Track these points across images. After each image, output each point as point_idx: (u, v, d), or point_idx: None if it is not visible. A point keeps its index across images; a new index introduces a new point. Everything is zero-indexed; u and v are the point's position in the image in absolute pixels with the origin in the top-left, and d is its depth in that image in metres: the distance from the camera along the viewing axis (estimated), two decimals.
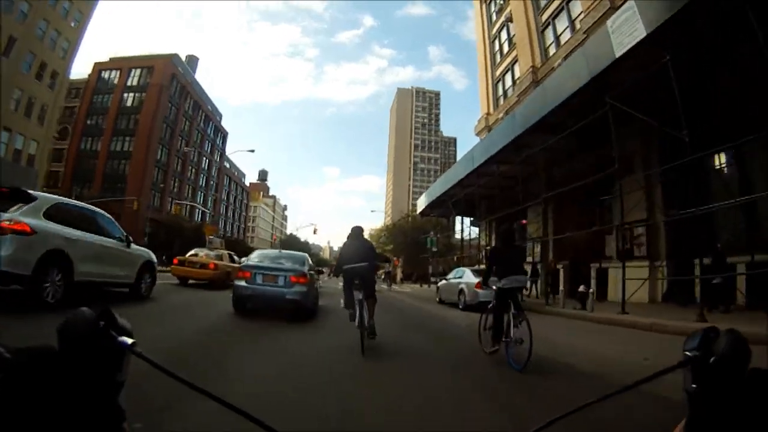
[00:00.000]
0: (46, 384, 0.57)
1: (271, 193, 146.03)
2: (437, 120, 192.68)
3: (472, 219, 33.80)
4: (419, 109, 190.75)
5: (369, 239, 8.61)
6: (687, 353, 0.69)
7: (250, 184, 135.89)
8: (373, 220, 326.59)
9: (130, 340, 0.65)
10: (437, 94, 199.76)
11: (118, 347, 0.64)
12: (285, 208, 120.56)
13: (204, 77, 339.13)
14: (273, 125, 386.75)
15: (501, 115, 31.48)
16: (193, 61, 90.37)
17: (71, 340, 0.62)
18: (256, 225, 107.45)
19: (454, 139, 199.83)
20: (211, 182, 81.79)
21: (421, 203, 39.46)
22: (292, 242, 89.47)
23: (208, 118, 78.61)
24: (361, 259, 7.12)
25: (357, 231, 7.63)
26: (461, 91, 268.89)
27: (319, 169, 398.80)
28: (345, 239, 7.78)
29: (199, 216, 71.75)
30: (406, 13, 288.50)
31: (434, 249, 41.89)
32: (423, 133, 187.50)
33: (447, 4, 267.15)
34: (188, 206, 71.79)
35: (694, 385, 0.68)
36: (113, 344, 0.64)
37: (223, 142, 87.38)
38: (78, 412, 0.59)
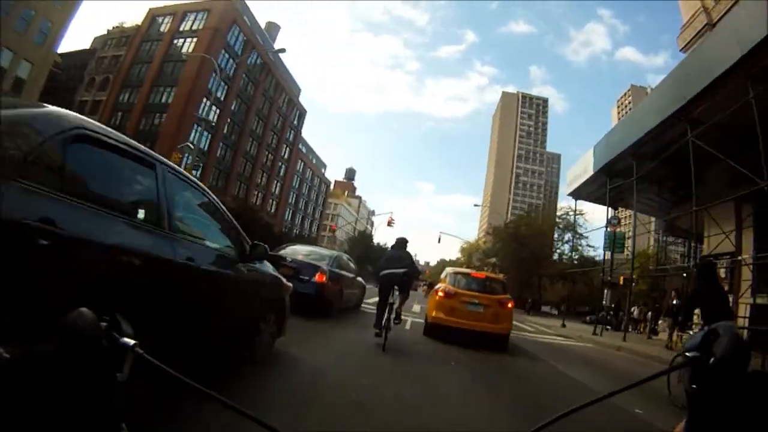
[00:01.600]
0: (46, 384, 0.57)
1: (357, 194, 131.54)
2: (544, 130, 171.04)
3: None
4: (524, 116, 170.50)
5: (410, 252, 8.31)
6: (687, 354, 0.69)
7: (335, 181, 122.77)
8: (465, 232, 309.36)
9: (132, 341, 0.65)
10: (545, 101, 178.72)
11: (120, 348, 0.64)
12: (372, 212, 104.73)
13: (306, 82, 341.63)
14: (371, 134, 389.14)
15: None
16: (273, 28, 77.79)
17: (70, 341, 0.61)
18: (336, 224, 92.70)
19: (559, 156, 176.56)
20: (280, 165, 67.53)
21: (573, 177, 22.03)
22: (362, 242, 72.87)
23: (280, 85, 64.41)
24: (400, 266, 7.69)
25: (401, 241, 8.29)
26: (561, 114, 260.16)
27: (413, 183, 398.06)
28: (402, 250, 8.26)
29: (258, 199, 57.20)
30: (509, 31, 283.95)
31: (617, 252, 21.37)
32: (528, 143, 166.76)
33: (549, 23, 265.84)
34: (245, 184, 57.59)
35: (693, 386, 0.67)
36: (115, 345, 0.64)
37: (299, 121, 73.24)
38: (77, 412, 0.58)
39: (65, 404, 0.57)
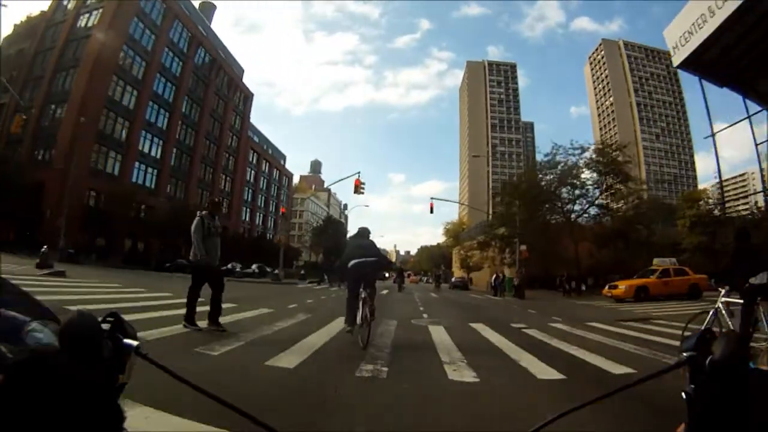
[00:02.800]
0: (48, 385, 0.57)
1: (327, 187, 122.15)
2: (516, 95, 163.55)
3: None
4: (494, 84, 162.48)
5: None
6: (684, 354, 0.69)
7: (300, 176, 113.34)
8: (444, 215, 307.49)
9: (135, 342, 0.65)
10: (513, 67, 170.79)
11: (124, 349, 0.65)
12: (345, 206, 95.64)
13: (267, 91, 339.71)
14: (337, 133, 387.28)
15: None
16: (207, 8, 68.58)
17: (73, 342, 0.61)
18: (304, 221, 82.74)
19: (532, 124, 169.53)
20: (227, 156, 58.33)
21: (684, 32, 12.86)
22: (331, 231, 63.40)
23: (216, 63, 55.01)
24: (368, 255, 7.18)
25: (363, 231, 7.88)
26: (523, 89, 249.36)
27: (385, 176, 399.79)
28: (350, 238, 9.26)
29: (201, 198, 48.11)
30: (463, 15, 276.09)
31: None
32: (501, 111, 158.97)
33: (501, 2, 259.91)
34: (182, 181, 48.61)
35: (692, 386, 0.67)
36: (118, 346, 0.64)
37: (244, 104, 63.97)
38: (79, 413, 0.58)
39: (67, 405, 0.57)
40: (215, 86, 54.60)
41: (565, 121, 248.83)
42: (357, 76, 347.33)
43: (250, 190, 65.36)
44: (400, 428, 3.12)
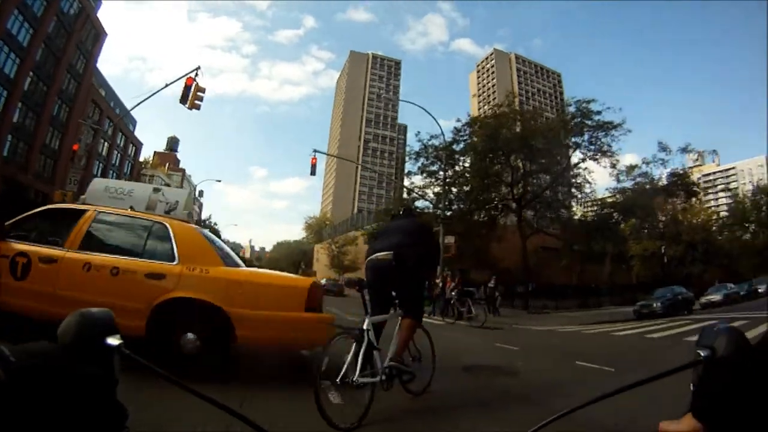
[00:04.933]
0: (51, 383, 0.57)
1: (182, 167, 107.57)
2: (396, 92, 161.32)
3: None
4: (375, 78, 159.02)
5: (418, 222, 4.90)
6: (701, 352, 0.69)
7: (154, 152, 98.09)
8: (303, 212, 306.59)
9: (116, 342, 0.65)
10: (398, 63, 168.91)
11: (106, 348, 0.64)
12: (201, 193, 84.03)
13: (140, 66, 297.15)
14: (202, 116, 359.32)
15: None
16: None
17: (73, 341, 0.62)
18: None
19: (405, 126, 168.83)
20: (59, 103, 45.37)
21: None
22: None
23: None
24: (401, 243, 4.26)
25: (406, 209, 5.25)
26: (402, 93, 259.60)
27: (246, 168, 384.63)
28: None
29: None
30: (348, 18, 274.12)
31: None
32: (378, 107, 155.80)
33: (388, 13, 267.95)
34: None
35: (697, 382, 0.69)
36: (101, 345, 0.64)
37: (93, 42, 50.88)
38: (82, 411, 0.59)
39: (69, 403, 0.58)
40: (55, 9, 41.68)
41: (436, 129, 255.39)
42: (233, 64, 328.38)
43: (85, 153, 52.25)
44: None
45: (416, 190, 30.28)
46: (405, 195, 33.50)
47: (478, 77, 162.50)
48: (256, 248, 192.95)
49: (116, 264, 4.46)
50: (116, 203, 5.31)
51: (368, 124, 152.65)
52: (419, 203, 30.05)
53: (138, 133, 71.42)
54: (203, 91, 18.24)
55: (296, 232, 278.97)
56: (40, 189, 39.72)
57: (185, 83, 17.62)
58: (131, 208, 5.21)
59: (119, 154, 61.47)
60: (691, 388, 0.68)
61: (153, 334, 4.20)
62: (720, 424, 0.64)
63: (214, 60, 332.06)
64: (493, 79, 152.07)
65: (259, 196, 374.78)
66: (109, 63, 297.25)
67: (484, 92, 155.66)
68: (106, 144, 57.27)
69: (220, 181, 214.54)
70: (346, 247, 48.26)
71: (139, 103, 21.15)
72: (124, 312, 3.56)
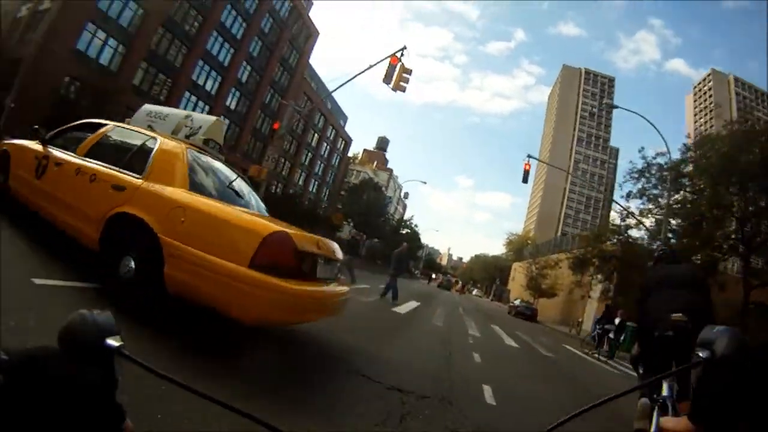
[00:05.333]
0: (49, 384, 0.57)
1: (389, 167, 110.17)
2: (609, 112, 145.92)
3: None
4: (588, 95, 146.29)
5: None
6: (700, 354, 0.70)
7: (364, 150, 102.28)
8: (503, 230, 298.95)
9: (117, 343, 0.65)
10: (611, 80, 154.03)
11: (106, 349, 0.64)
12: (406, 195, 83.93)
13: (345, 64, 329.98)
14: (413, 124, 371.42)
15: None
16: None
17: (73, 343, 0.62)
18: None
19: (617, 150, 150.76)
20: (272, 95, 47.56)
21: None
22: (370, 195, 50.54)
23: None
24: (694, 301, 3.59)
25: (670, 251, 4.66)
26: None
27: (452, 177, 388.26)
28: None
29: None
30: (558, 32, 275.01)
31: None
32: (590, 125, 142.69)
33: (601, 29, 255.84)
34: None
35: (697, 383, 0.69)
36: (102, 346, 0.64)
37: (305, 41, 53.13)
38: (80, 412, 0.58)
39: (68, 404, 0.57)
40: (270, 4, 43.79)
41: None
42: (445, 73, 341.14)
43: (294, 143, 54.36)
44: None
45: (632, 216, 24.60)
46: (616, 221, 27.53)
47: (695, 99, 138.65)
48: (455, 257, 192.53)
49: (96, 171, 4.37)
50: (155, 125, 5.43)
51: (579, 143, 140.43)
52: (633, 232, 25.19)
53: (349, 128, 73.24)
54: (409, 72, 17.09)
55: (496, 248, 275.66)
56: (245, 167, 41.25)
57: (390, 62, 16.85)
58: (149, 127, 5.23)
59: (328, 146, 63.26)
60: (691, 388, 0.68)
61: (103, 251, 3.94)
62: (719, 424, 0.64)
63: (426, 68, 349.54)
64: (710, 103, 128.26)
65: (463, 205, 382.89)
66: (322, 61, 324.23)
67: (702, 116, 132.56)
68: (316, 135, 58.96)
69: (425, 182, 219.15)
70: (546, 270, 41.69)
71: (342, 85, 19.70)
72: (86, 220, 4.05)
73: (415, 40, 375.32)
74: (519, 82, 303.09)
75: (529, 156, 22.08)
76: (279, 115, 44.43)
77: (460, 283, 79.97)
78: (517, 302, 38.23)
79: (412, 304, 14.39)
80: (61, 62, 26.71)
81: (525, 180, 22.16)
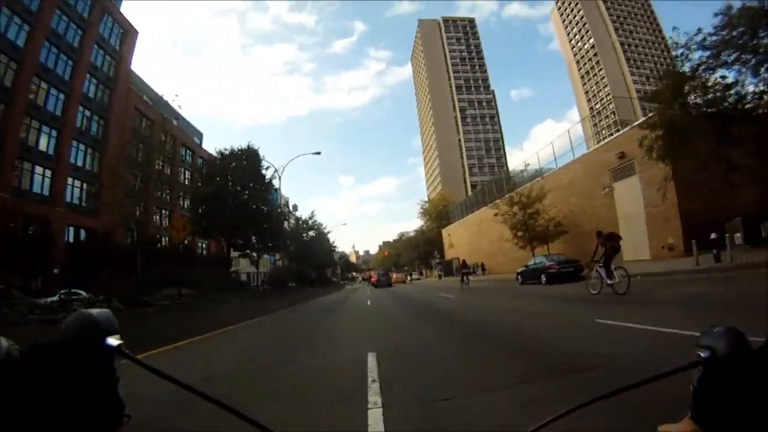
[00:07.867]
0: (52, 378, 0.59)
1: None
2: (479, 51, 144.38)
3: None
4: (453, 41, 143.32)
5: None
6: (700, 353, 0.69)
7: None
8: (397, 213, 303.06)
9: (116, 342, 0.65)
10: (471, 21, 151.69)
11: (106, 348, 0.65)
12: (295, 207, 74.99)
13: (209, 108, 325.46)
14: (282, 144, 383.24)
15: None
16: None
17: (74, 340, 0.63)
18: None
19: (492, 92, 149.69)
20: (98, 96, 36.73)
21: None
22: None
23: None
24: None
25: None
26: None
27: (336, 179, 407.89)
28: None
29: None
30: (395, 14, 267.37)
31: None
32: (465, 70, 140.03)
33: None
34: None
35: (698, 383, 0.69)
36: (102, 345, 0.64)
37: (121, 42, 42.19)
38: (81, 405, 0.60)
39: (69, 397, 0.59)
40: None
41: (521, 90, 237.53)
42: (297, 84, 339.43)
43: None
44: None
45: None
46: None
47: (561, 13, 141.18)
48: (361, 252, 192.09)
49: None
50: None
51: (459, 91, 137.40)
52: None
53: (207, 145, 63.07)
54: None
55: (399, 228, 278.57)
56: None
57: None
58: None
59: (185, 170, 52.92)
60: (691, 389, 0.68)
61: None
62: (720, 427, 0.64)
63: (278, 86, 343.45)
64: (579, 11, 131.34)
65: (354, 202, 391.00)
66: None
67: (573, 26, 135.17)
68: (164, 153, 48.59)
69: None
70: (535, 205, 31.89)
71: None
72: None
73: (261, 65, 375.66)
74: (371, 70, 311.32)
75: None
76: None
77: (395, 273, 75.31)
78: (536, 261, 24.44)
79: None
80: None
81: None
